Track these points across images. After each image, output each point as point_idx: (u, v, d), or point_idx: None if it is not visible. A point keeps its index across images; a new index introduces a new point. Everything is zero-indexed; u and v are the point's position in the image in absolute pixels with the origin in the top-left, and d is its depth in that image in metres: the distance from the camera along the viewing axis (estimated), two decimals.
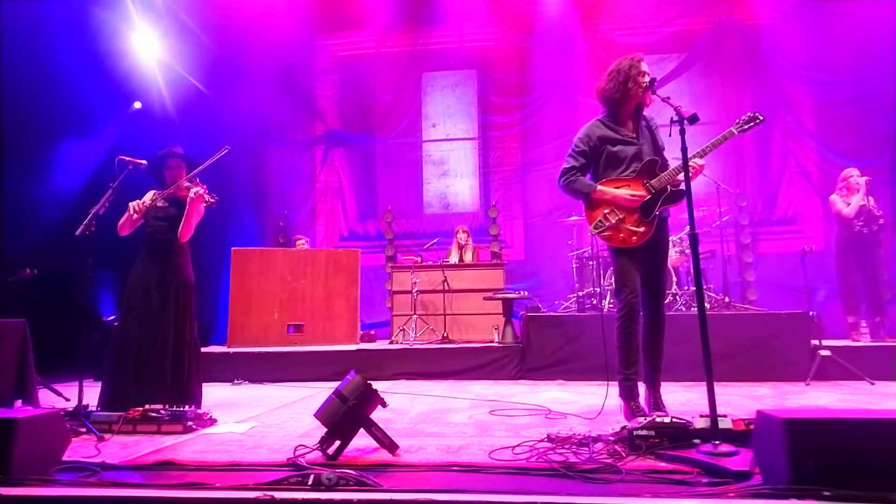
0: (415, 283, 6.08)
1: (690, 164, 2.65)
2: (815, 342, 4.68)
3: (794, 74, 7.81)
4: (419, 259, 6.59)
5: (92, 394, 3.29)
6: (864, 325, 5.37)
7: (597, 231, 3.01)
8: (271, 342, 5.63)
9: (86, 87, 6.51)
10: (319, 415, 2.40)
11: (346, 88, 8.85)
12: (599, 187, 3.01)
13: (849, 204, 5.49)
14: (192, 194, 3.43)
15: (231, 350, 5.58)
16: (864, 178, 5.51)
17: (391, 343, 6.01)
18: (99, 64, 6.69)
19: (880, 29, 6.98)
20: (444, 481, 2.05)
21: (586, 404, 3.67)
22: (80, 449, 2.61)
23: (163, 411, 3.02)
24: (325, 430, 2.39)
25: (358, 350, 5.62)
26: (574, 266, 6.37)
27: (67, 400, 4.01)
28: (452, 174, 8.79)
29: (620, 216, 2.97)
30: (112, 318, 5.77)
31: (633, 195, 2.95)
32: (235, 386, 4.99)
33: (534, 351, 5.16)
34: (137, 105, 7.15)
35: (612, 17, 8.23)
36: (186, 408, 3.08)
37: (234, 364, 5.30)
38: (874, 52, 7.08)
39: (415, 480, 2.07)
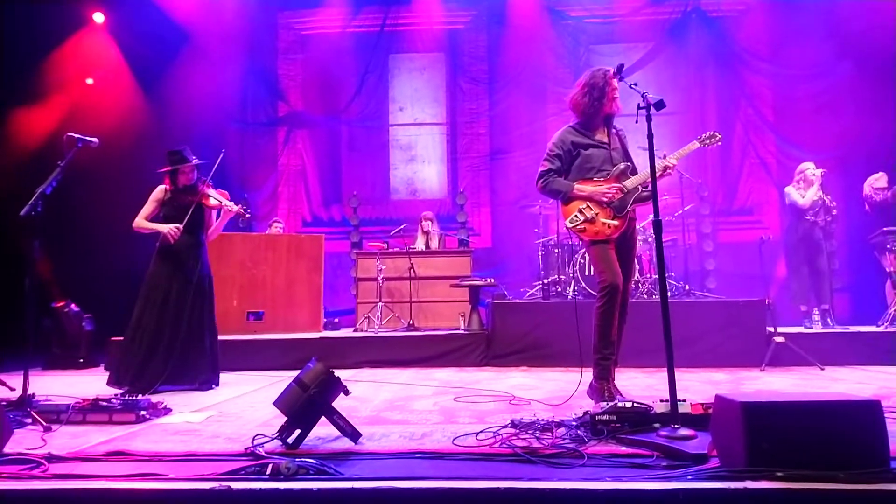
0: (380, 269, 6.01)
1: (665, 163, 3.02)
2: (771, 329, 4.83)
3: (756, 68, 8.01)
4: (385, 246, 6.52)
5: (39, 383, 3.14)
6: (817, 312, 5.57)
7: (572, 225, 3.16)
8: (230, 330, 5.46)
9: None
10: (279, 403, 2.34)
11: (310, 68, 8.65)
12: (577, 185, 3.16)
13: (804, 196, 5.67)
14: (232, 208, 4.06)
15: None
16: (820, 170, 5.69)
17: (356, 331, 5.94)
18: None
19: (839, 25, 7.19)
20: (407, 469, 2.02)
21: (550, 390, 3.70)
22: (25, 440, 2.48)
23: (114, 400, 2.90)
24: (286, 419, 2.33)
25: (321, 338, 5.53)
26: (540, 254, 6.41)
27: (12, 389, 3.81)
28: (420, 160, 8.72)
29: (596, 211, 3.13)
30: (62, 303, 5.53)
31: (608, 191, 3.12)
32: None
33: (500, 338, 5.18)
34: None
35: (582, 5, 8.26)
36: (140, 397, 2.97)
37: None
38: (833, 48, 7.31)
39: (377, 468, 2.04)
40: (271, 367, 4.92)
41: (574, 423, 2.48)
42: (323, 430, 2.42)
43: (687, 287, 5.86)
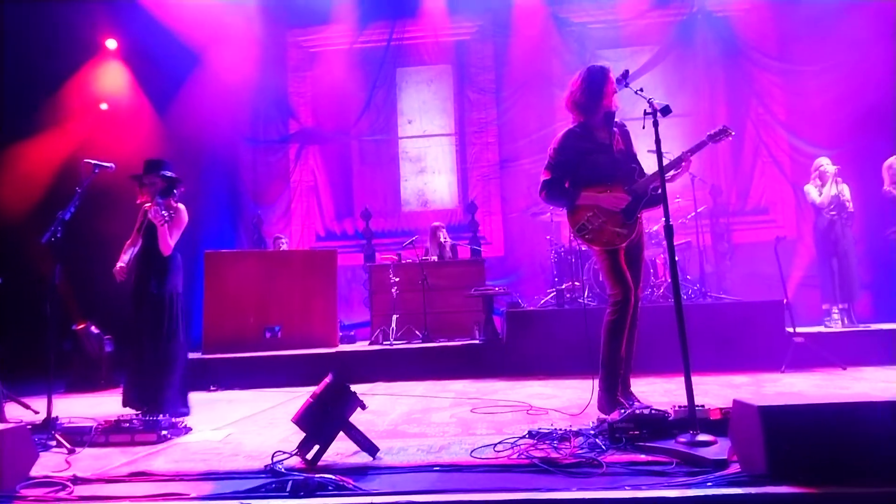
0: (394, 281, 6.03)
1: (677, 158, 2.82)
2: (790, 329, 4.76)
3: (765, 65, 7.96)
4: (398, 257, 6.54)
5: (62, 405, 3.20)
6: (836, 311, 5.48)
7: (580, 234, 3.03)
8: (248, 347, 5.52)
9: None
10: (297, 419, 2.36)
11: (319, 85, 8.76)
12: (583, 193, 3.02)
13: (821, 193, 5.61)
14: (151, 215, 3.63)
15: (206, 356, 5.47)
16: (835, 166, 5.62)
17: (371, 344, 5.96)
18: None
19: (846, 19, 7.12)
20: (426, 482, 2.02)
21: (568, 399, 3.68)
22: (50, 463, 2.53)
23: (135, 421, 2.94)
24: (304, 434, 2.35)
25: (337, 352, 5.55)
26: (553, 261, 6.39)
27: (36, 413, 3.87)
28: (430, 171, 8.77)
29: (603, 219, 2.99)
30: (82, 325, 5.62)
31: (616, 198, 2.98)
32: (211, 393, 4.89)
33: (515, 347, 5.16)
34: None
35: (586, 11, 8.29)
36: (160, 417, 3.00)
37: (210, 371, 5.18)
38: (841, 42, 7.23)
39: (396, 482, 2.05)
40: (289, 383, 4.95)
41: (592, 432, 2.47)
42: (341, 445, 2.43)
43: (702, 289, 5.80)
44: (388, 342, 5.68)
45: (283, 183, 8.74)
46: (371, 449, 2.36)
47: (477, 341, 5.53)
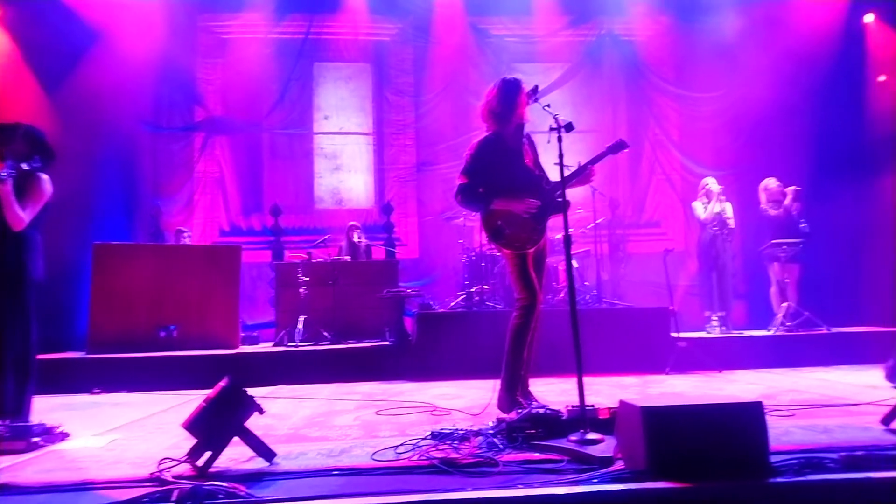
0: (302, 281, 5.87)
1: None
2: (674, 334, 5.16)
3: (663, 89, 8.59)
4: (308, 256, 6.38)
5: None
6: (715, 318, 6.02)
7: (494, 238, 3.13)
8: (139, 347, 5.16)
9: None
10: (188, 424, 2.24)
11: (230, 73, 8.35)
12: (496, 199, 3.11)
13: (706, 210, 6.14)
14: None
15: (91, 356, 5.06)
16: (720, 186, 6.17)
17: (275, 345, 5.77)
18: None
19: (737, 51, 7.84)
20: (323, 487, 1.99)
21: (472, 399, 3.77)
22: None
23: (1, 427, 2.66)
24: (195, 440, 2.23)
25: (238, 353, 5.33)
26: (465, 264, 6.51)
27: None
28: (346, 169, 8.63)
29: (515, 224, 3.09)
30: None
31: (527, 204, 3.10)
32: (94, 395, 4.52)
33: (425, 349, 5.20)
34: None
35: (504, 24, 8.54)
36: (34, 423, 2.74)
37: (95, 371, 4.79)
38: (731, 71, 7.97)
39: (292, 488, 2.00)
40: (184, 386, 4.65)
41: (491, 432, 2.54)
42: (237, 451, 2.34)
43: (598, 295, 6.14)
44: (294, 343, 5.52)
45: (186, 173, 8.24)
46: (268, 454, 2.29)
47: (387, 343, 5.52)
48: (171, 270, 5.56)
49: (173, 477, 2.08)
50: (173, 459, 2.22)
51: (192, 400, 3.90)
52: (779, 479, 1.89)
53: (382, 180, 8.57)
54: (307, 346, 5.47)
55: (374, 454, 2.35)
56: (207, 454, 2.20)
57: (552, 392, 3.89)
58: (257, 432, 2.40)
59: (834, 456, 2.04)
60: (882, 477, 1.90)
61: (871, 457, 2.03)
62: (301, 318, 5.70)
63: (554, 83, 8.31)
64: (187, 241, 6.93)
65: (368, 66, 8.71)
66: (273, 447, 2.35)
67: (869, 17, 7.62)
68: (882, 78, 7.43)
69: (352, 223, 7.08)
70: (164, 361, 4.99)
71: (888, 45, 7.38)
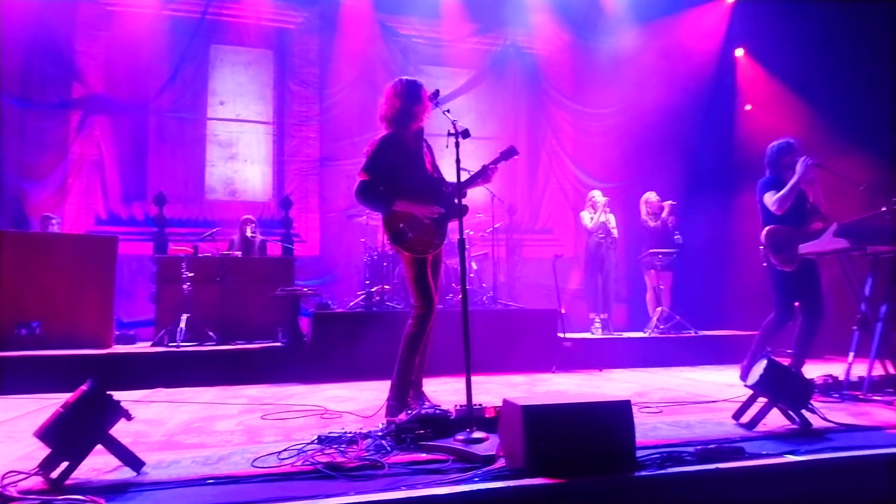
0: (187, 276, 5.50)
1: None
2: (561, 335, 5.44)
3: (560, 103, 9.04)
4: (194, 250, 6.00)
5: None
6: (598, 320, 6.42)
7: (397, 242, 3.05)
8: None
9: None
10: (41, 433, 2.02)
11: (115, 49, 7.66)
12: (399, 201, 3.05)
13: (592, 220, 6.55)
14: None
15: None
16: (605, 198, 6.60)
17: (154, 345, 5.36)
18: None
19: (630, 71, 8.42)
20: (195, 497, 1.88)
21: (365, 401, 3.73)
22: None
23: None
24: (50, 450, 2.02)
25: (110, 354, 4.89)
26: (366, 263, 6.44)
27: None
28: (242, 158, 8.22)
29: (417, 228, 3.05)
30: None
31: (430, 208, 3.07)
32: None
33: (320, 350, 5.06)
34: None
35: (412, 25, 8.55)
36: None
37: None
38: (623, 90, 8.54)
39: (159, 499, 1.87)
40: (46, 389, 4.18)
41: (380, 434, 2.53)
42: (100, 461, 2.16)
43: (494, 296, 6.33)
44: (175, 343, 5.16)
45: (59, 155, 7.44)
46: (135, 463, 2.12)
47: (279, 344, 5.32)
48: (35, 261, 4.99)
49: (19, 492, 1.87)
50: (21, 472, 1.99)
51: (52, 405, 3.54)
52: (643, 473, 2.04)
53: (282, 173, 8.25)
54: (190, 347, 5.14)
55: (254, 461, 2.26)
56: (64, 465, 2.00)
57: (446, 391, 3.94)
58: (126, 440, 2.23)
59: (691, 450, 2.24)
60: (729, 467, 2.12)
61: (722, 449, 2.25)
62: (184, 317, 5.34)
63: (459, 89, 8.47)
64: (55, 229, 6.27)
65: (270, 53, 8.37)
66: (143, 455, 2.19)
67: (739, 52, 8.49)
68: (748, 107, 8.32)
69: (246, 216, 6.74)
70: (24, 361, 4.47)
71: (755, 78, 8.28)
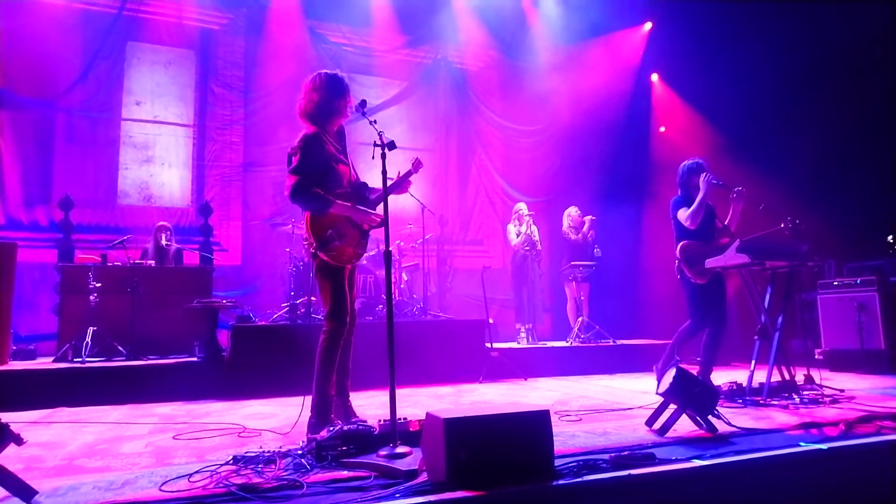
0: (94, 287, 5.13)
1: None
2: (489, 345, 5.52)
3: (489, 119, 9.26)
4: (102, 258, 5.62)
5: None
6: (524, 330, 6.58)
7: (324, 248, 2.84)
8: None
9: None
10: None
11: (18, 41, 7.07)
12: (339, 202, 2.87)
13: (518, 233, 6.72)
14: None
15: None
16: (531, 211, 6.80)
17: (56, 361, 4.96)
18: None
19: (553, 93, 8.73)
20: None
21: (286, 417, 3.60)
22: None
23: None
24: None
25: (4, 371, 4.48)
26: (291, 274, 6.26)
27: None
28: (159, 162, 7.79)
29: (344, 236, 2.89)
30: None
31: (365, 214, 2.94)
32: None
33: (240, 365, 4.86)
34: None
35: (342, 34, 8.48)
36: None
37: None
38: (549, 109, 8.85)
39: None
40: None
41: (300, 452, 2.46)
42: None
43: (424, 307, 6.35)
44: (80, 359, 4.80)
45: None
46: (26, 492, 1.95)
47: (195, 359, 5.07)
48: None
49: None
50: None
51: None
52: (561, 482, 2.10)
53: (202, 178, 7.90)
54: (96, 362, 4.80)
55: (162, 484, 2.13)
56: None
57: (373, 405, 3.89)
58: (17, 466, 2.05)
59: (607, 457, 2.33)
60: (640, 473, 2.22)
61: (634, 456, 2.35)
62: (90, 330, 4.98)
63: (390, 99, 8.48)
64: None
65: (192, 54, 8.03)
66: (37, 483, 2.02)
67: (654, 77, 9.03)
68: (662, 129, 8.85)
69: (161, 223, 6.38)
70: None
71: (668, 101, 8.82)
